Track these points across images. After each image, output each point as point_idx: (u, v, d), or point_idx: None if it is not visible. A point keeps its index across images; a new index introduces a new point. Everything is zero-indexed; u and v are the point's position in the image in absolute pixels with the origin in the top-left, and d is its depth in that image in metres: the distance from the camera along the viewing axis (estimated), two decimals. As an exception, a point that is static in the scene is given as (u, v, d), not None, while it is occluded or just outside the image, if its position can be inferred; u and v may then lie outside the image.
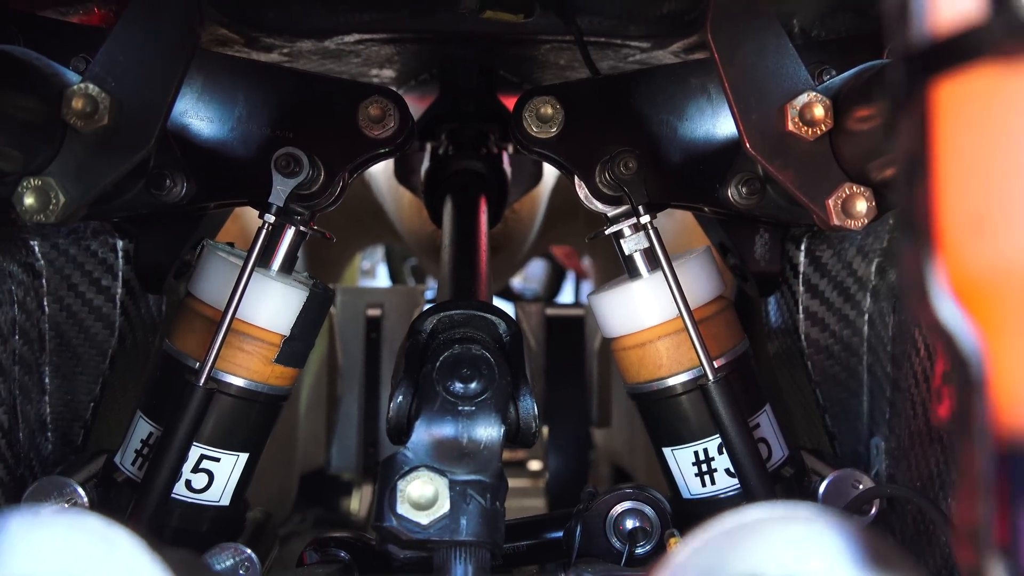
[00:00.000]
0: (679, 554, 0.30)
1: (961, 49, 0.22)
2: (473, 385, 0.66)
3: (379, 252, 2.82)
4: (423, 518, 0.60)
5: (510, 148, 1.11)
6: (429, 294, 1.90)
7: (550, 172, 1.38)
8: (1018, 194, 0.22)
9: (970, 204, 0.24)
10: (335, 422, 1.42)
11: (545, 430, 1.57)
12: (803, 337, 0.84)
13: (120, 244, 0.84)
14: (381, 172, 1.48)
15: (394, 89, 0.81)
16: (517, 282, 3.17)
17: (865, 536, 0.30)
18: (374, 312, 1.48)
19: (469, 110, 1.06)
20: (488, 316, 0.74)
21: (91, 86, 0.62)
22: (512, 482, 0.75)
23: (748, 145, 0.62)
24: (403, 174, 1.31)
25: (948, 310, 0.25)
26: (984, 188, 0.24)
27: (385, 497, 0.61)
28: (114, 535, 0.30)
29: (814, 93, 0.63)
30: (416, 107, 1.09)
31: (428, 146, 1.12)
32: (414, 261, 2.64)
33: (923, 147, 0.24)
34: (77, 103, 0.61)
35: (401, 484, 0.60)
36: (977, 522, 0.25)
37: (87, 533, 0.29)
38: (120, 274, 0.84)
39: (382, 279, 3.18)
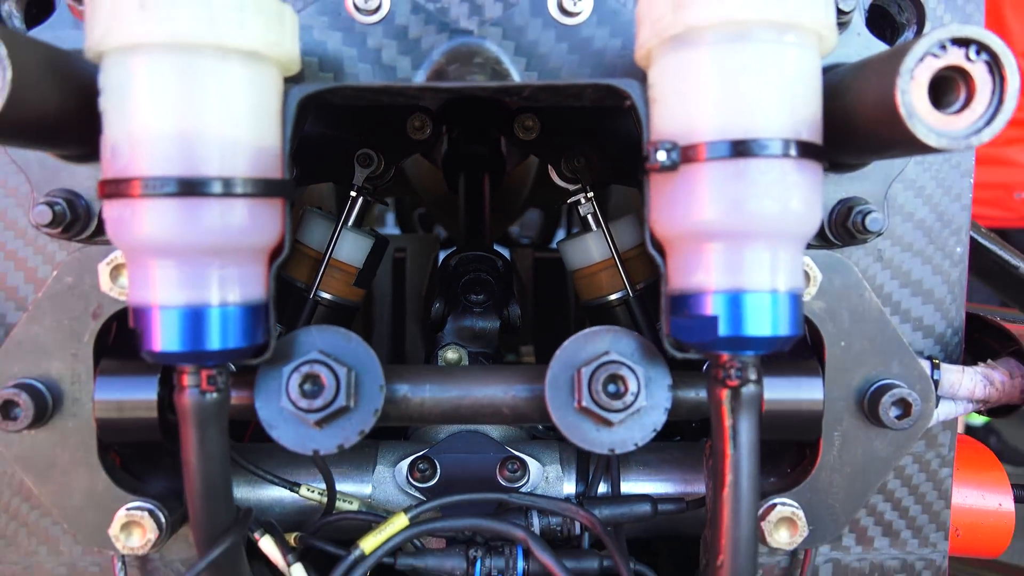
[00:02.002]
0: (558, 350, 0.75)
1: (648, 159, 0.66)
2: (481, 296, 1.11)
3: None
4: (453, 372, 1.05)
5: (508, 131, 1.51)
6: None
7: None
8: (668, 213, 0.66)
9: (655, 214, 0.68)
10: (370, 341, 1.84)
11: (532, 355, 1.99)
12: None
13: None
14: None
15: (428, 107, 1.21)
16: (515, 229, 3.64)
17: (644, 341, 0.76)
18: (399, 254, 1.90)
19: (476, 106, 1.46)
20: (490, 256, 1.18)
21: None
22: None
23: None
24: (425, 149, 1.73)
25: (653, 247, 0.70)
26: (657, 210, 0.67)
27: (431, 361, 1.07)
28: (349, 333, 0.75)
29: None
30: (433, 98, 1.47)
31: (444, 128, 1.53)
32: (422, 210, 3.07)
33: (647, 194, 0.68)
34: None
35: (440, 352, 1.06)
36: (666, 330, 0.70)
37: (339, 334, 0.74)
38: None
39: (389, 224, 3.65)
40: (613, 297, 1.17)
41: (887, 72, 0.60)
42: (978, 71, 0.60)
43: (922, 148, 0.60)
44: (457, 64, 0.76)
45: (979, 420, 5.58)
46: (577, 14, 0.78)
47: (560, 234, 3.36)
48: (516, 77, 0.78)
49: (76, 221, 0.74)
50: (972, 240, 1.20)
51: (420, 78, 0.78)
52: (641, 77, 0.70)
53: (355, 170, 1.11)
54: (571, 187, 1.18)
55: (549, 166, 1.19)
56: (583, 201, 1.17)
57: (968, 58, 0.60)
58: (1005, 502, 0.92)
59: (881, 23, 0.84)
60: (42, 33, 0.75)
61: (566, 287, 1.92)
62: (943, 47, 0.59)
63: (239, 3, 0.60)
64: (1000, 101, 0.59)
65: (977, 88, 0.60)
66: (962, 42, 0.59)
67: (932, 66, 0.59)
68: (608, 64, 0.78)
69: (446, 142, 1.52)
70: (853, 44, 0.77)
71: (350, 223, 1.16)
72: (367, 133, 1.12)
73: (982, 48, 0.59)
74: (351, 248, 1.15)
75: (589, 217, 1.18)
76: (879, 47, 0.78)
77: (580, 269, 1.20)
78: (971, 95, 0.60)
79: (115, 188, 0.61)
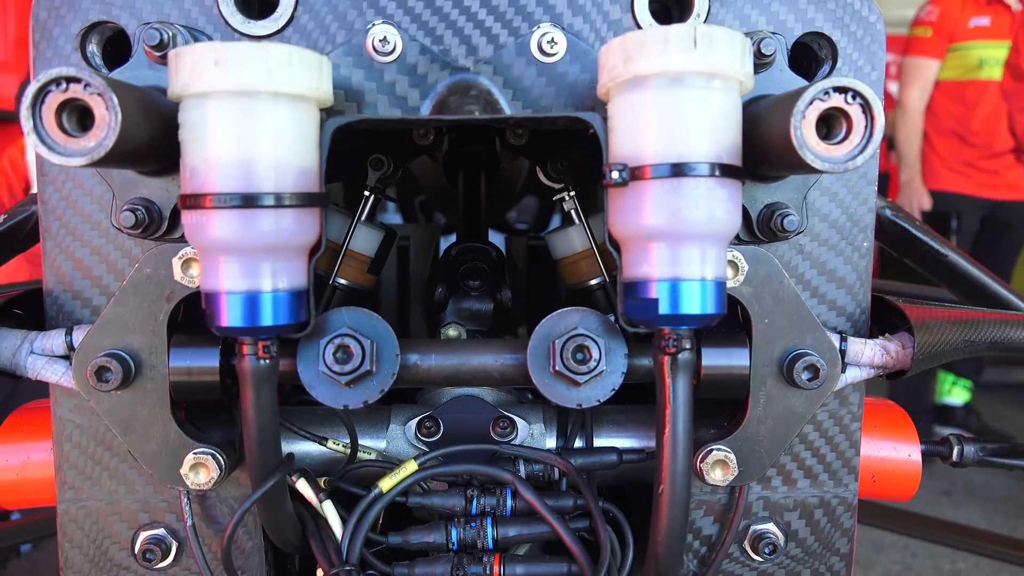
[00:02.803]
0: (537, 326, 0.95)
1: (605, 177, 0.85)
2: (478, 282, 1.31)
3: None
4: (453, 346, 1.25)
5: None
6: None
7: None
8: (621, 219, 0.85)
9: (612, 219, 0.87)
10: (378, 320, 2.05)
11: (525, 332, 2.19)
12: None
13: None
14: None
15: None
16: (513, 214, 3.85)
17: (606, 319, 0.95)
18: (403, 242, 2.10)
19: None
20: (486, 247, 1.38)
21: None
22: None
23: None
24: (429, 152, 1.93)
25: (611, 245, 0.89)
26: (613, 216, 0.87)
27: (435, 337, 1.27)
28: (372, 313, 0.95)
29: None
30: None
31: (444, 130, 1.73)
32: (422, 198, 3.27)
33: (606, 203, 0.87)
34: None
35: (443, 330, 1.26)
36: (620, 310, 0.89)
37: (363, 313, 0.94)
38: None
39: (390, 209, 3.87)
40: (593, 282, 1.35)
41: (786, 111, 0.80)
42: (855, 111, 0.79)
43: (812, 170, 0.79)
44: (456, 96, 0.95)
45: (960, 400, 5.81)
46: (554, 54, 0.97)
47: (555, 219, 3.57)
48: (505, 106, 0.97)
49: (151, 224, 0.94)
50: (908, 232, 1.40)
51: (427, 107, 0.97)
52: (603, 109, 0.89)
53: (368, 172, 1.30)
54: (556, 186, 1.37)
55: (537, 167, 1.38)
56: (567, 198, 1.36)
57: (847, 102, 0.79)
58: (913, 454, 1.12)
59: (808, 55, 1.03)
60: (123, 73, 0.94)
61: (556, 272, 2.12)
62: (827, 93, 0.79)
63: (288, 59, 0.80)
64: (871, 134, 0.79)
65: (854, 124, 0.79)
66: (842, 90, 0.79)
67: (819, 107, 0.79)
68: (579, 95, 0.97)
69: (446, 142, 1.71)
70: (776, 79, 0.97)
71: (363, 218, 1.35)
72: (379, 140, 1.30)
73: (857, 94, 0.79)
74: (365, 240, 1.34)
75: (572, 212, 1.37)
76: (798, 81, 0.98)
77: (564, 258, 1.39)
78: (850, 130, 0.79)
79: (193, 201, 0.81)
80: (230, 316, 0.83)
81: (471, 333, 1.26)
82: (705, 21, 0.97)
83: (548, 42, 0.97)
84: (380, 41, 0.96)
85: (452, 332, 1.25)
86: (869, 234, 1.02)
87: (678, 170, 0.81)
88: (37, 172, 0.96)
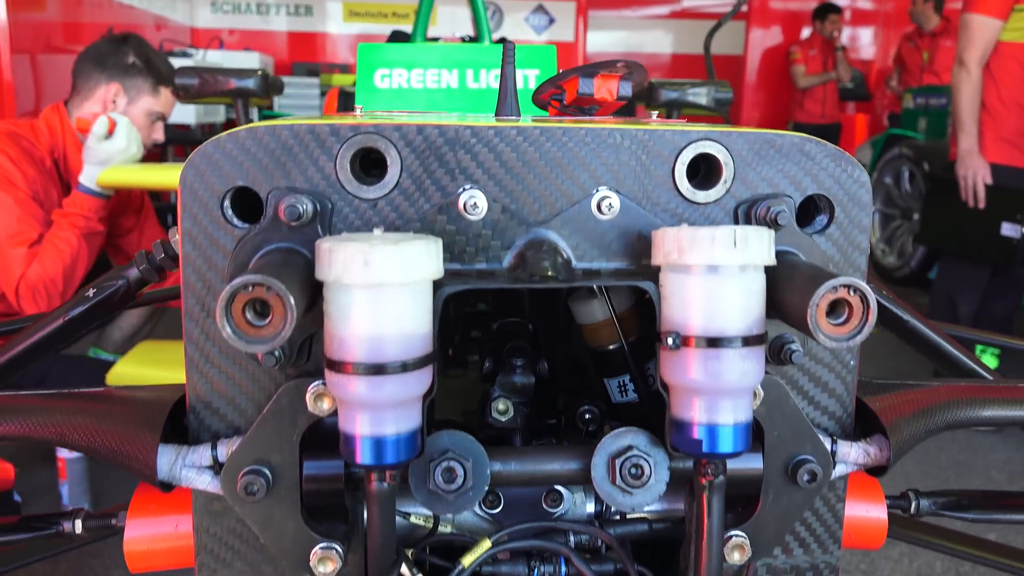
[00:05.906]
0: (598, 445, 1.25)
1: (662, 342, 1.13)
2: (521, 360, 1.61)
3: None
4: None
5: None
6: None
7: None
8: (671, 372, 1.14)
9: (664, 371, 1.16)
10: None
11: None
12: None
13: None
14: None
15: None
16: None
17: (653, 436, 1.25)
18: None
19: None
20: (524, 322, 1.67)
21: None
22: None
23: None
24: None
25: (662, 387, 1.19)
26: (665, 368, 1.16)
27: (486, 407, 1.56)
28: (467, 435, 1.23)
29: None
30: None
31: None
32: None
33: (660, 359, 1.17)
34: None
35: (493, 404, 1.55)
36: (669, 440, 1.19)
37: (460, 435, 1.22)
38: None
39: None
40: (611, 347, 1.64)
41: (804, 296, 1.08)
42: (855, 301, 1.08)
43: (821, 344, 1.09)
44: (532, 250, 1.21)
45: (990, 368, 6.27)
46: (610, 213, 1.24)
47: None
48: (571, 256, 1.23)
49: (286, 360, 1.20)
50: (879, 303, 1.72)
51: (508, 258, 1.22)
52: (651, 271, 1.17)
53: None
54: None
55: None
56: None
57: (849, 294, 1.08)
58: (881, 514, 1.46)
59: (810, 205, 1.32)
60: (258, 234, 1.18)
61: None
62: (835, 288, 1.08)
63: (417, 255, 1.06)
64: (866, 319, 1.08)
65: (854, 311, 1.08)
66: (846, 285, 1.08)
67: (829, 298, 1.07)
68: (629, 244, 1.24)
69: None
70: (787, 236, 1.25)
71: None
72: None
73: (856, 289, 1.08)
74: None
75: (596, 288, 1.65)
76: (803, 237, 1.26)
77: (586, 324, 1.69)
78: (851, 315, 1.09)
79: (337, 366, 1.06)
80: (363, 456, 1.09)
81: (516, 406, 1.56)
82: (731, 186, 1.25)
83: (607, 205, 1.24)
84: (471, 204, 1.22)
85: (501, 406, 1.54)
86: (855, 356, 1.32)
87: (715, 343, 1.09)
88: (183, 309, 1.22)
